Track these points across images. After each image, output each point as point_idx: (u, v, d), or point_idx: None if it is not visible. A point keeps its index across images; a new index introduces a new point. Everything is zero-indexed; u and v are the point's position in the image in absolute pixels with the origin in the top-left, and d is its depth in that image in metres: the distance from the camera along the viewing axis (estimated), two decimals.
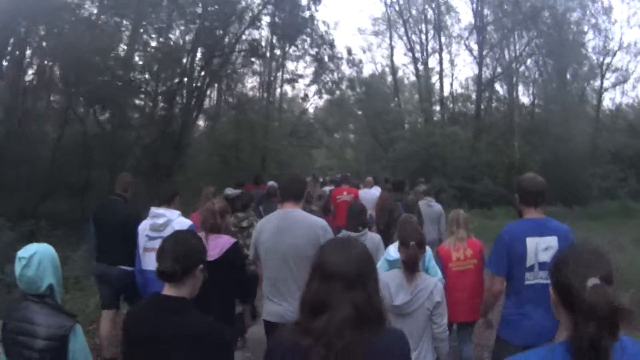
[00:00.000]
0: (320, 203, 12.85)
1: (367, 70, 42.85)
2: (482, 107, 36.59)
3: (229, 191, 12.07)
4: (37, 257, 3.31)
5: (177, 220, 5.99)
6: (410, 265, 4.55)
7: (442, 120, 36.04)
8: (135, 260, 6.18)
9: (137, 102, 24.22)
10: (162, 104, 25.09)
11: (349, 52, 37.78)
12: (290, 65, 37.77)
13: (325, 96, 38.87)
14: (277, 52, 36.26)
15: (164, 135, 23.71)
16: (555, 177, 28.54)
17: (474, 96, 38.87)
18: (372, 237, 6.28)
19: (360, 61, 39.20)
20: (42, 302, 3.29)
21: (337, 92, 38.20)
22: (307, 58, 34.84)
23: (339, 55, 35.43)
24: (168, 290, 3.04)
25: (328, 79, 36.43)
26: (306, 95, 38.57)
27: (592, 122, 36.12)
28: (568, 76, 35.05)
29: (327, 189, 16.53)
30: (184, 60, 25.58)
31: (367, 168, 38.11)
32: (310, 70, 36.21)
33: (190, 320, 2.98)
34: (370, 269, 2.55)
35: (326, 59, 34.09)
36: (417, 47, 39.01)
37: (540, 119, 33.30)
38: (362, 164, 43.74)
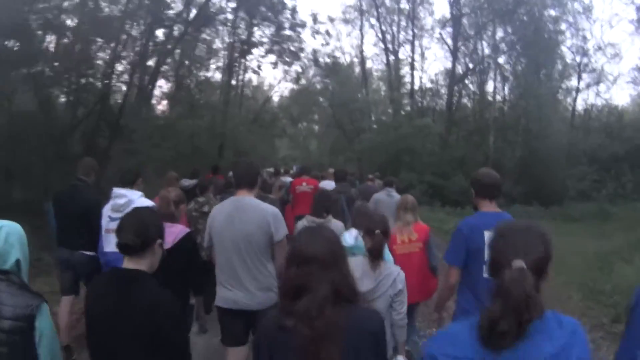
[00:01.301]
0: (279, 193, 11.95)
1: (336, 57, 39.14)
2: (454, 101, 34.67)
3: (185, 182, 11.90)
4: (4, 231, 3.03)
5: (138, 201, 5.81)
6: (376, 254, 4.48)
7: (411, 112, 33.77)
8: (97, 244, 6.14)
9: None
10: (100, 81, 21.81)
11: (314, 19, 34.00)
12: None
13: (286, 71, 35.05)
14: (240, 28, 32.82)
15: (101, 117, 21.06)
16: (531, 175, 26.71)
17: (443, 91, 37.10)
18: (335, 224, 6.30)
19: (327, 32, 35.44)
20: (8, 280, 2.94)
21: (299, 69, 34.73)
22: (266, 31, 32.06)
23: (301, 22, 32.13)
24: (128, 263, 3.06)
25: (288, 48, 32.81)
26: (259, 67, 34.18)
27: (566, 122, 34.63)
28: (542, 74, 33.02)
29: (287, 179, 15.74)
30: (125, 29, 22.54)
31: (331, 160, 36.08)
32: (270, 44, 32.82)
33: (148, 290, 2.98)
34: (342, 251, 2.76)
35: (286, 25, 31.21)
36: (389, 37, 37.09)
37: (515, 115, 31.23)
38: (325, 156, 42.10)
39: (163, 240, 3.26)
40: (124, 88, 24.16)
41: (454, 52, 33.32)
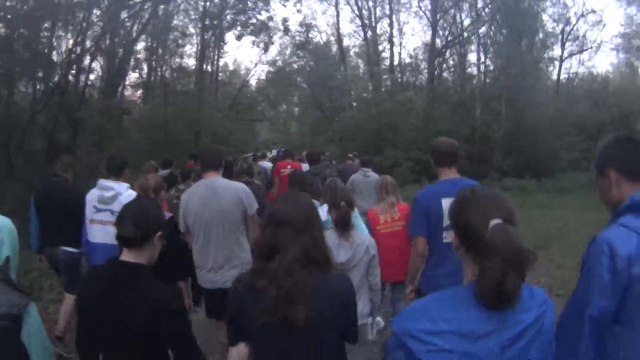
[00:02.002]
0: (258, 177, 12.25)
1: (312, 38, 37.42)
2: (435, 74, 32.98)
3: (163, 173, 11.21)
4: None
5: (125, 194, 5.73)
6: (343, 224, 4.64)
7: (392, 88, 32.10)
8: (80, 239, 6.15)
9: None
10: (58, 72, 20.16)
11: None
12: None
13: (255, 42, 33.39)
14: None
15: (60, 110, 19.40)
16: (520, 147, 25.35)
17: (423, 66, 36.06)
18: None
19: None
20: None
21: (266, 39, 33.17)
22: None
23: None
24: (126, 256, 2.97)
25: (254, 17, 31.31)
26: (222, 41, 33.09)
27: (551, 92, 33.19)
28: (524, 44, 31.33)
29: (266, 164, 15.84)
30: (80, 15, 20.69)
31: (312, 142, 34.13)
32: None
33: (150, 285, 2.91)
34: (316, 218, 2.80)
35: None
36: (365, 13, 35.58)
37: (499, 87, 29.46)
38: (306, 138, 40.23)
39: (163, 233, 3.13)
40: (83, 78, 22.51)
41: (434, 25, 31.69)
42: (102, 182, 5.91)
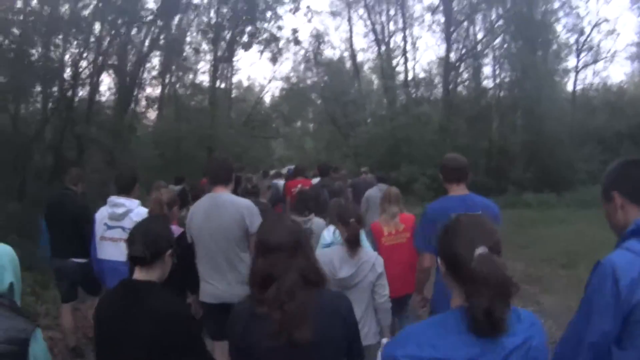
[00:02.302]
0: (268, 193, 11.63)
1: (326, 53, 37.21)
2: (450, 87, 32.22)
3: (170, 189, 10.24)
4: None
5: (136, 210, 5.63)
6: (353, 241, 4.60)
7: (406, 103, 31.34)
8: (90, 250, 5.94)
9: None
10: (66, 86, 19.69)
11: None
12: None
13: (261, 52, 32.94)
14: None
15: (67, 127, 18.95)
16: (538, 159, 24.49)
17: (437, 80, 35.00)
18: (317, 222, 6.36)
19: (309, 9, 33.10)
20: (1, 304, 2.80)
21: (275, 49, 32.67)
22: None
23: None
24: (138, 274, 3.06)
25: (264, 27, 30.86)
26: (232, 55, 32.35)
27: (567, 103, 32.48)
28: (538, 55, 30.57)
29: (278, 182, 14.57)
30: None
31: (327, 158, 33.19)
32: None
33: (163, 300, 2.99)
34: (304, 239, 2.79)
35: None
36: (378, 28, 35.04)
37: (515, 99, 28.81)
38: (321, 154, 39.18)
39: (173, 250, 3.17)
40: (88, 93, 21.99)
41: (448, 37, 31.16)
42: (113, 198, 5.78)
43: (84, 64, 20.71)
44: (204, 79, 32.81)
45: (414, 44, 35.33)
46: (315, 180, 11.60)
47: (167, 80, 30.98)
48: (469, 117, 28.15)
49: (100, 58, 21.30)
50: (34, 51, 17.78)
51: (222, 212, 5.05)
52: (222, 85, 33.92)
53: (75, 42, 19.88)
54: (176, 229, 5.12)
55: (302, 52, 34.35)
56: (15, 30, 17.32)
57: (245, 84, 42.69)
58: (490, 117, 28.59)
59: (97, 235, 5.79)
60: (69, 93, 19.58)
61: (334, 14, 36.34)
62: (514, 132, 27.51)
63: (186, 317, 3.08)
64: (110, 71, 23.42)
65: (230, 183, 5.43)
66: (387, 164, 24.11)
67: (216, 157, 6.78)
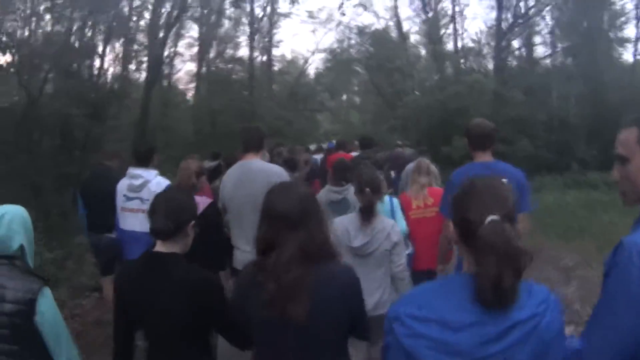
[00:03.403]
0: (306, 169, 11.65)
1: (370, 23, 34.95)
2: (502, 57, 29.04)
3: (207, 164, 10.25)
4: (7, 217, 3.12)
5: (154, 181, 5.67)
6: (367, 211, 4.56)
7: (458, 70, 28.40)
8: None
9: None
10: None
11: None
12: None
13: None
14: None
15: (80, 100, 17.09)
16: (602, 135, 21.04)
17: (485, 51, 31.80)
18: (353, 192, 5.67)
19: None
20: (12, 264, 3.06)
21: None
22: None
23: None
24: (160, 247, 2.99)
25: None
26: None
27: (627, 74, 28.11)
28: (596, 22, 26.74)
29: (316, 156, 14.46)
30: None
31: (374, 131, 30.83)
32: None
33: (186, 271, 2.92)
34: (313, 210, 2.61)
35: None
36: None
37: (575, 67, 25.50)
38: (367, 127, 36.98)
39: (196, 221, 3.10)
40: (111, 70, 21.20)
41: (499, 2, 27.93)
42: (131, 170, 5.80)
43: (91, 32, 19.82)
44: (244, 53, 31.57)
45: (461, 12, 32.36)
46: (355, 154, 10.64)
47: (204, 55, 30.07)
48: (525, 87, 24.95)
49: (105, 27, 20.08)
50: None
51: (253, 180, 4.96)
52: (264, 59, 32.93)
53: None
54: (204, 200, 5.07)
55: (347, 21, 32.49)
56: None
57: (289, 57, 40.18)
58: (548, 87, 25.35)
59: (118, 206, 5.84)
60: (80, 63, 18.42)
61: None
62: (574, 103, 24.55)
63: (211, 286, 2.93)
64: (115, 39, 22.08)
65: (262, 150, 5.36)
66: (437, 137, 21.87)
67: (247, 125, 6.47)
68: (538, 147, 20.92)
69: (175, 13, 23.34)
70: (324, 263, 2.52)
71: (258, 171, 5.04)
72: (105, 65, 21.00)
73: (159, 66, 23.49)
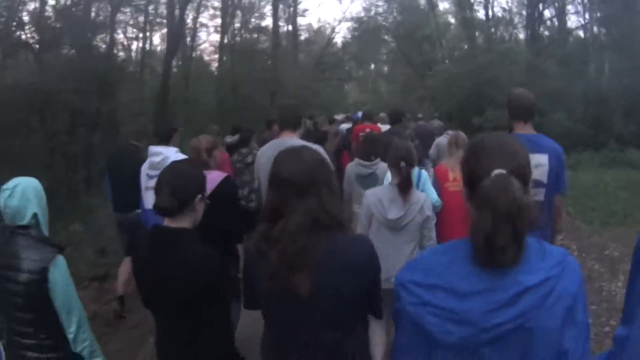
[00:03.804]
0: (335, 140, 11.12)
1: None
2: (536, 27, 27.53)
3: (229, 139, 10.76)
4: (20, 187, 3.21)
5: (173, 157, 5.40)
6: (405, 185, 4.50)
7: (489, 39, 26.98)
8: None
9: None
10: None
11: None
12: None
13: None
14: None
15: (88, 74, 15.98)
16: None
17: (516, 20, 30.17)
18: (382, 167, 5.96)
19: None
20: (28, 234, 3.16)
21: None
22: None
23: None
24: (168, 221, 2.88)
25: None
26: None
27: None
28: None
29: (344, 126, 14.48)
30: None
31: (402, 101, 30.11)
32: None
33: (192, 247, 2.82)
34: (323, 176, 2.43)
35: None
36: None
37: (614, 36, 23.90)
38: (396, 97, 36.00)
39: (204, 193, 3.01)
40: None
41: None
42: (152, 148, 5.77)
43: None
44: (269, 22, 30.67)
45: None
46: (384, 126, 10.38)
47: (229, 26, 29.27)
48: (560, 59, 23.52)
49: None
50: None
51: None
52: (289, 28, 32.40)
53: None
54: (219, 174, 4.90)
55: None
56: None
57: (316, 26, 39.77)
58: (584, 59, 23.99)
59: (142, 186, 5.77)
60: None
61: None
62: (611, 76, 22.67)
63: (211, 263, 2.80)
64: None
65: (300, 128, 5.24)
66: (469, 108, 20.94)
67: (286, 102, 6.55)
68: (575, 122, 19.69)
69: None
70: (335, 233, 2.34)
71: None
72: (118, 38, 20.64)
73: (178, 37, 22.81)
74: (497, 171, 1.72)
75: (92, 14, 16.94)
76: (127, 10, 20.37)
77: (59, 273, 3.04)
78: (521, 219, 1.64)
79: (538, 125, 14.18)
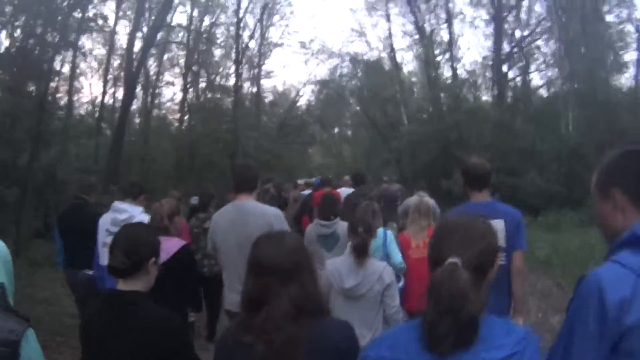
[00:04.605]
0: (296, 206, 11.32)
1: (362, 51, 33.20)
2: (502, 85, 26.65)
3: (194, 200, 10.04)
4: None
5: (138, 218, 5.39)
6: (360, 251, 4.33)
7: (455, 97, 25.68)
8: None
9: None
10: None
11: None
12: None
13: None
14: None
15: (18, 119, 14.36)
16: None
17: (479, 81, 29.56)
18: (342, 225, 5.69)
19: None
20: None
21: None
22: None
23: None
24: (122, 285, 2.80)
25: None
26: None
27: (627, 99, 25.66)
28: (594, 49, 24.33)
29: (304, 192, 13.60)
30: None
31: (367, 165, 29.78)
32: None
33: (146, 311, 2.73)
34: (305, 261, 2.32)
35: None
36: (420, 20, 29.52)
37: (585, 91, 22.74)
38: (360, 161, 36.00)
39: (158, 258, 2.93)
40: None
41: (498, 25, 25.92)
42: (117, 204, 5.64)
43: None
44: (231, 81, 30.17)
45: (455, 41, 29.86)
46: (342, 191, 10.34)
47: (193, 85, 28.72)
48: (529, 116, 22.62)
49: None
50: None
51: (249, 220, 4.63)
52: (254, 90, 32.01)
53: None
54: (177, 241, 4.69)
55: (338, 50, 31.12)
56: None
57: (281, 89, 39.34)
58: (557, 114, 23.17)
59: (99, 241, 5.59)
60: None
61: (370, 8, 31.58)
62: (590, 133, 21.46)
63: (174, 325, 2.74)
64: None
65: (256, 190, 5.08)
66: (436, 170, 19.86)
67: (241, 163, 6.63)
68: (548, 181, 18.76)
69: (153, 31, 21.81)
70: (317, 319, 2.19)
71: (253, 212, 4.76)
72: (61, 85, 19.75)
73: (134, 88, 21.83)
74: (449, 260, 1.71)
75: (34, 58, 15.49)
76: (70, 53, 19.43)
77: (31, 347, 2.53)
78: (464, 309, 1.61)
79: (511, 186, 12.95)
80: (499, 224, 4.03)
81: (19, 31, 15.49)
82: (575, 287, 1.83)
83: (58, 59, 18.03)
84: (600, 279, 1.72)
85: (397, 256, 5.30)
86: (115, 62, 24.26)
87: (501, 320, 1.77)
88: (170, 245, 4.41)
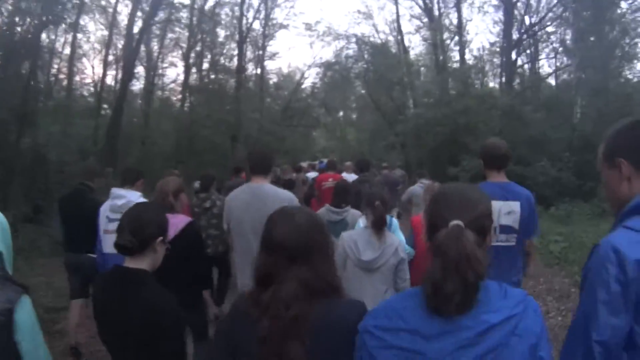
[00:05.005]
0: (303, 188, 11.57)
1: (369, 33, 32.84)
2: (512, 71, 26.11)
3: (197, 185, 9.60)
4: None
5: (137, 202, 4.88)
6: (378, 224, 4.37)
7: (464, 82, 24.52)
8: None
9: None
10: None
11: None
12: None
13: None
14: None
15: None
16: None
17: (487, 67, 29.46)
18: (353, 213, 5.97)
19: None
20: None
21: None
22: None
23: None
24: (129, 262, 2.79)
25: None
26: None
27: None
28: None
29: (310, 174, 14.39)
30: None
31: (371, 149, 29.01)
32: None
33: (148, 291, 2.72)
34: (317, 240, 2.20)
35: None
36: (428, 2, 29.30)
37: (595, 80, 21.60)
38: (364, 145, 35.64)
39: (165, 237, 2.90)
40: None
41: (508, 9, 25.21)
42: (115, 190, 5.61)
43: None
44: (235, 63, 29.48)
45: (464, 26, 29.56)
46: (348, 176, 10.48)
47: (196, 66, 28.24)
48: (543, 103, 21.80)
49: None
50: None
51: (264, 205, 4.47)
52: (258, 72, 31.24)
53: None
54: (183, 218, 4.67)
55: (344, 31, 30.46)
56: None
57: (286, 71, 39.70)
58: (567, 103, 22.16)
59: (100, 228, 5.54)
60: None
61: None
62: (602, 121, 20.39)
63: (163, 309, 2.64)
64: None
65: (270, 173, 5.13)
66: (443, 156, 19.09)
67: (258, 149, 6.71)
68: (560, 170, 17.85)
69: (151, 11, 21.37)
70: (328, 299, 2.10)
71: (270, 195, 4.70)
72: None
73: (133, 66, 21.49)
74: (453, 222, 1.70)
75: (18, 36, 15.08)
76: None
77: (25, 314, 2.45)
78: (471, 270, 1.62)
79: (521, 175, 11.90)
80: (514, 205, 4.15)
81: (2, 9, 15.00)
82: (589, 256, 1.84)
83: (59, 42, 18.22)
84: (615, 243, 1.76)
85: (403, 242, 5.09)
86: (119, 44, 23.90)
87: (497, 283, 1.75)
88: (176, 222, 4.38)
